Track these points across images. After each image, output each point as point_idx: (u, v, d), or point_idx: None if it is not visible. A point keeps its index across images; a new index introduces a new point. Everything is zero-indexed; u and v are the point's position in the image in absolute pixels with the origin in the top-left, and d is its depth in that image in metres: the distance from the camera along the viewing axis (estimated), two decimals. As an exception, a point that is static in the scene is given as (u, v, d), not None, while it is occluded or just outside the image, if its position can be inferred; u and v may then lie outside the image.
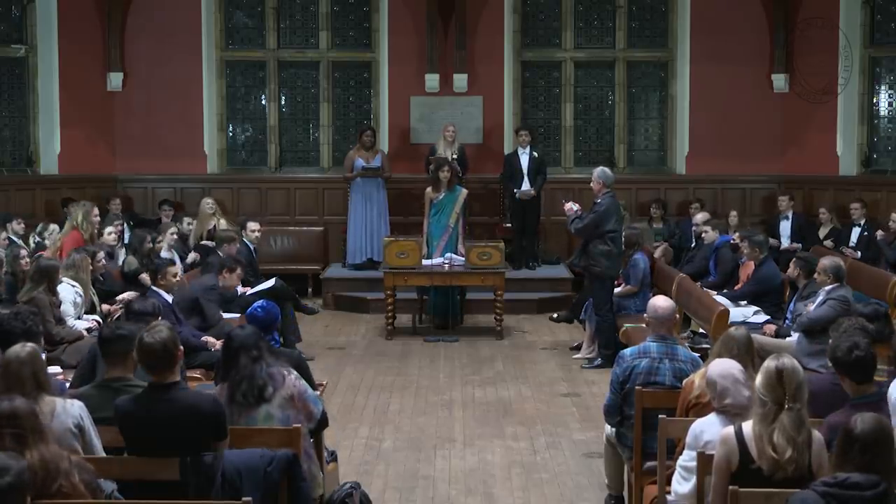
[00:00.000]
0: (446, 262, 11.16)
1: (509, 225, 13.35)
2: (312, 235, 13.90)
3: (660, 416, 5.20)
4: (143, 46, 13.96)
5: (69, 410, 4.57)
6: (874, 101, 13.67)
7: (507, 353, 10.54)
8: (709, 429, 4.65)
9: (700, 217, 12.11)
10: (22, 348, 4.57)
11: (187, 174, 14.10)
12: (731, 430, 4.28)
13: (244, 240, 10.74)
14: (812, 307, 8.03)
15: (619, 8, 14.24)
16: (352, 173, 12.96)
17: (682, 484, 4.78)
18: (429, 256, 11.31)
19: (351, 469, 6.93)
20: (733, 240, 10.55)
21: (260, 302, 6.33)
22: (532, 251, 13.29)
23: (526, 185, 12.91)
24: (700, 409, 5.07)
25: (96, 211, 9.87)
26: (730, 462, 4.23)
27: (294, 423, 5.12)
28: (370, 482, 6.69)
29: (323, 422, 5.38)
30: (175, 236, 11.13)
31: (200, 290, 8.80)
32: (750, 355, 5.11)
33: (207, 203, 12.63)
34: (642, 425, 5.59)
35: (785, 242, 12.79)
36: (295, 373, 5.33)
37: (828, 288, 8.03)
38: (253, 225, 11.00)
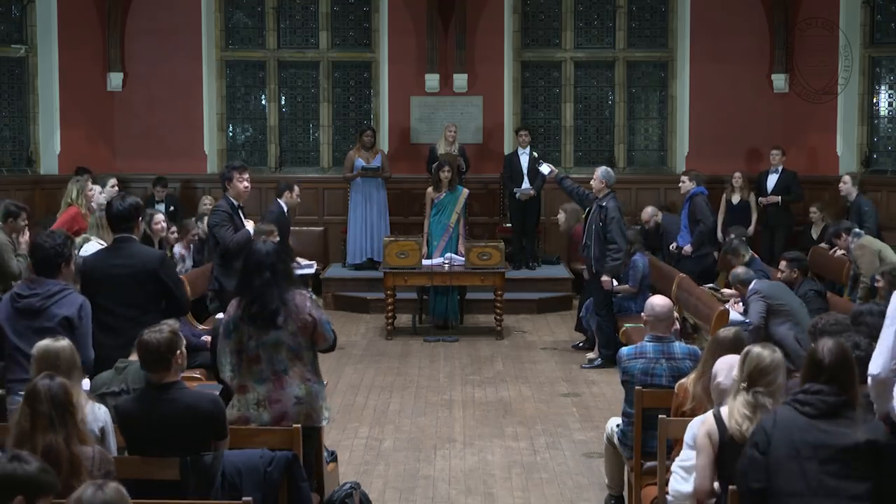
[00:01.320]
0: (446, 262, 11.17)
1: (509, 225, 13.36)
2: (312, 235, 13.90)
3: (660, 416, 5.20)
4: (143, 46, 13.97)
5: (96, 414, 4.62)
6: (874, 101, 13.67)
7: (507, 353, 10.54)
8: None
9: (649, 211, 12.23)
10: (56, 341, 4.69)
11: (187, 174, 14.10)
12: (708, 413, 4.44)
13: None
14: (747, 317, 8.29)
15: (619, 8, 14.25)
16: (352, 173, 12.96)
17: (681, 483, 4.78)
18: (429, 256, 11.32)
19: (351, 469, 6.94)
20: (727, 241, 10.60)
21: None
22: (532, 251, 13.30)
23: (525, 185, 12.92)
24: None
25: (90, 185, 9.78)
26: (710, 439, 4.35)
27: (304, 350, 5.22)
28: (370, 482, 6.70)
29: (332, 347, 5.47)
30: (197, 237, 10.92)
31: (209, 219, 8.40)
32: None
33: (206, 203, 12.63)
34: (642, 425, 5.59)
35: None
36: (312, 298, 5.38)
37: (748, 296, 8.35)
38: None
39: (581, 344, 10.58)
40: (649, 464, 5.53)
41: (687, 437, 4.78)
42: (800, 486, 3.80)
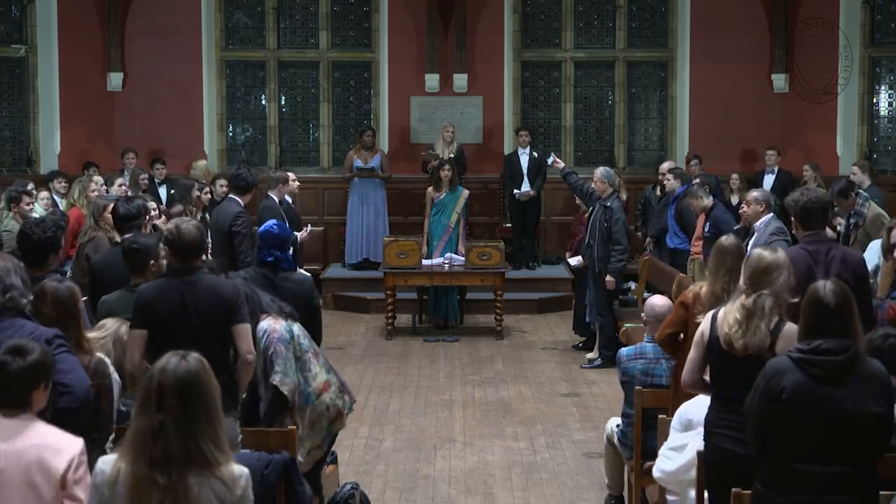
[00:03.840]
0: (446, 262, 11.17)
1: (509, 225, 13.36)
2: (312, 235, 13.84)
3: (659, 416, 5.21)
4: (143, 46, 13.96)
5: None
6: (874, 101, 13.68)
7: (507, 353, 10.54)
8: (696, 410, 4.76)
9: (665, 165, 12.03)
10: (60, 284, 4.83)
11: (187, 174, 14.07)
12: (711, 312, 4.60)
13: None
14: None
15: (619, 8, 14.24)
16: (350, 173, 12.97)
17: (666, 462, 4.89)
18: (429, 256, 11.31)
19: (351, 469, 6.94)
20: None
21: (273, 220, 6.39)
22: (532, 251, 13.30)
23: (526, 186, 12.93)
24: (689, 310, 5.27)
25: (94, 185, 9.72)
26: (703, 336, 4.55)
27: None
28: (370, 482, 6.70)
29: None
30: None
31: (230, 220, 8.23)
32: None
33: (201, 165, 12.58)
34: (642, 425, 5.59)
35: None
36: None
37: (759, 224, 7.76)
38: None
39: (581, 344, 10.58)
40: (649, 464, 5.53)
41: (674, 422, 4.87)
42: (803, 450, 3.81)
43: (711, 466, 4.41)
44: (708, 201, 9.71)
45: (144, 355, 4.76)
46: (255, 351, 4.98)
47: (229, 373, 4.94)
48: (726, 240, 5.36)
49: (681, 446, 4.79)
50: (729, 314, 4.40)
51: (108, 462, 3.18)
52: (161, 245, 5.58)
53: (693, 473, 4.64)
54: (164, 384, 3.11)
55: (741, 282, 4.48)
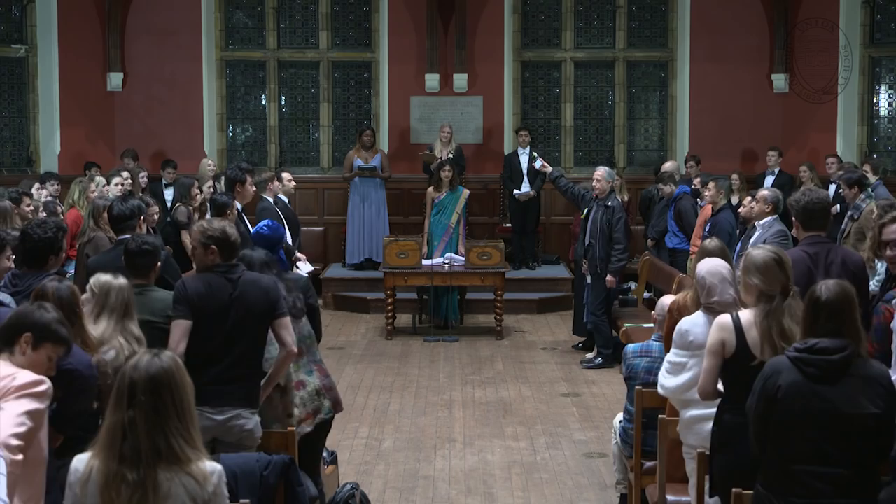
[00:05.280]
0: (446, 262, 11.17)
1: (509, 225, 13.36)
2: (312, 235, 13.87)
3: (660, 415, 5.20)
4: (143, 46, 13.97)
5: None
6: (874, 101, 13.69)
7: (507, 353, 10.54)
8: (693, 328, 4.82)
9: (668, 165, 12.00)
10: (116, 278, 4.88)
11: (187, 174, 14.06)
12: (727, 317, 4.43)
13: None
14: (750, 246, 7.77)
15: (619, 8, 14.24)
16: (350, 173, 12.98)
17: (668, 378, 4.96)
18: (429, 256, 11.31)
19: (351, 469, 6.95)
20: (694, 184, 10.50)
21: (265, 221, 6.39)
22: (532, 251, 13.30)
23: (525, 186, 12.94)
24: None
25: (94, 186, 9.70)
26: (724, 345, 4.39)
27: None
28: (370, 482, 6.70)
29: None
30: (155, 216, 10.69)
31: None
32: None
33: (209, 164, 12.57)
34: (642, 425, 5.59)
35: None
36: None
37: (763, 223, 7.74)
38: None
39: (581, 344, 10.57)
40: (649, 463, 5.53)
41: (675, 337, 4.95)
42: (799, 451, 3.77)
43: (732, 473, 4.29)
44: (722, 200, 9.69)
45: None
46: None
47: (260, 369, 4.99)
48: (710, 243, 5.36)
49: (680, 364, 4.86)
50: (782, 323, 4.25)
51: (82, 461, 3.19)
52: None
53: (688, 395, 4.77)
54: (135, 381, 3.12)
55: (769, 287, 4.33)
